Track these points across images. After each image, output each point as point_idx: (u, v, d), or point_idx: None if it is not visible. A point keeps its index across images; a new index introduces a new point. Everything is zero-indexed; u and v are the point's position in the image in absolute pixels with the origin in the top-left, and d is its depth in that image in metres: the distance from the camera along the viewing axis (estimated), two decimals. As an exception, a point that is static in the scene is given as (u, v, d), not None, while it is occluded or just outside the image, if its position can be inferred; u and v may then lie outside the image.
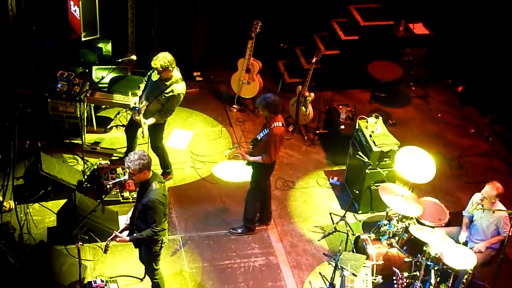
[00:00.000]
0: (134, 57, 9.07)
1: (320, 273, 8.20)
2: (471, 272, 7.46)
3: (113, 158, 9.48)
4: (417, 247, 7.51)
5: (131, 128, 8.95)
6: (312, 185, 9.48)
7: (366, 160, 8.61)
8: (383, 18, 11.06)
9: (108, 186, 8.70)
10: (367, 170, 8.65)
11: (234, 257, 8.36)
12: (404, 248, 7.68)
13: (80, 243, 6.94)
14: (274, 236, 8.70)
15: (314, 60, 9.79)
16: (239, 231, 8.63)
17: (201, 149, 9.85)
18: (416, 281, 7.50)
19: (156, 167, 8.60)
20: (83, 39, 10.05)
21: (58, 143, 9.54)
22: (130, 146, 9.12)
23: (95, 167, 9.15)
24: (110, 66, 10.03)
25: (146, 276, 7.61)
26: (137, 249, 7.25)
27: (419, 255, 7.49)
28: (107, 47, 10.50)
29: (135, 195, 8.51)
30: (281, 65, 11.31)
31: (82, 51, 10.30)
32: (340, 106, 9.92)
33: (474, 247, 7.83)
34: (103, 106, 10.06)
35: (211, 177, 9.41)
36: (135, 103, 8.56)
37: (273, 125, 7.87)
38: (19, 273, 7.55)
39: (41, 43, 10.27)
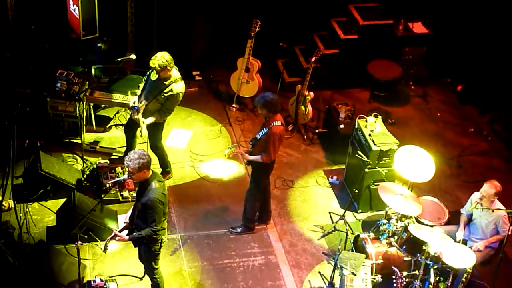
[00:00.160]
0: (133, 56, 9.08)
1: (319, 272, 8.20)
2: (470, 271, 7.46)
3: (112, 157, 9.48)
4: (417, 246, 7.52)
5: (131, 128, 8.95)
6: (311, 184, 9.49)
7: (366, 159, 8.61)
8: (383, 17, 11.07)
9: (107, 185, 8.70)
10: (366, 169, 8.65)
11: (233, 256, 8.36)
12: (404, 247, 7.68)
13: (79, 242, 6.94)
14: (274, 235, 8.70)
15: (313, 59, 9.80)
16: (239, 230, 8.63)
17: (200, 149, 9.85)
18: (416, 280, 7.51)
19: (155, 166, 8.60)
20: (82, 38, 10.06)
21: (57, 142, 9.54)
22: (130, 146, 9.12)
23: (95, 166, 9.15)
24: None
25: (146, 275, 7.61)
26: (137, 248, 7.25)
27: (418, 254, 7.49)
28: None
29: (134, 194, 8.52)
30: (280, 64, 11.31)
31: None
32: (340, 105, 9.92)
33: (473, 246, 7.84)
34: (103, 105, 10.06)
35: (209, 176, 9.42)
36: (134, 102, 8.56)
37: (272, 124, 7.87)
38: (19, 272, 7.55)
39: (40, 42, 10.26)
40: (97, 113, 10.04)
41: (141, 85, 8.71)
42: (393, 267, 7.63)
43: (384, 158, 8.66)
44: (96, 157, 9.39)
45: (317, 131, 10.31)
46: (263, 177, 8.33)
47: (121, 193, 8.79)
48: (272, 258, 8.40)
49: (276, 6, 11.01)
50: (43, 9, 10.25)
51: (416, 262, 7.59)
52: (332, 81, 11.04)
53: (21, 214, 8.26)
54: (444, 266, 7.38)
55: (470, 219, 8.13)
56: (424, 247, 7.36)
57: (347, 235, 8.19)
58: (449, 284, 7.46)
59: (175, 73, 8.41)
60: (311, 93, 9.96)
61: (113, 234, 7.01)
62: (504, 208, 7.78)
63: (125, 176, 6.93)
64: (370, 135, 8.72)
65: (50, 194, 8.70)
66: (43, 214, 8.56)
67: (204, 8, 10.72)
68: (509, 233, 7.61)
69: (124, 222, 7.25)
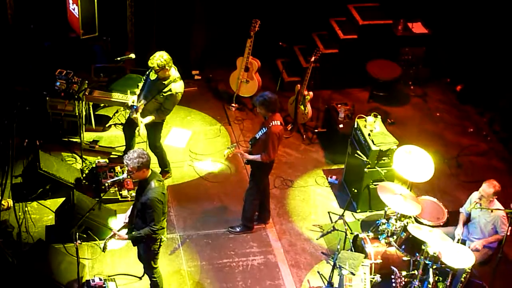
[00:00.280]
0: (133, 56, 9.07)
1: (318, 272, 8.20)
2: (469, 271, 7.46)
3: (111, 156, 9.48)
4: (416, 246, 7.52)
5: (130, 127, 8.94)
6: (310, 184, 9.49)
7: (365, 159, 8.61)
8: (382, 17, 11.07)
9: (106, 185, 8.70)
10: (365, 169, 8.66)
11: (232, 255, 8.36)
12: (403, 247, 7.68)
13: (78, 241, 6.93)
14: (273, 235, 8.70)
15: (313, 59, 9.80)
16: (238, 229, 8.63)
17: (199, 148, 9.84)
18: (414, 280, 7.51)
19: (154, 165, 8.60)
20: (81, 37, 10.05)
21: (56, 141, 9.53)
22: (129, 145, 9.12)
23: (94, 165, 9.14)
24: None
25: (145, 274, 7.61)
26: (136, 247, 7.25)
27: (417, 254, 7.50)
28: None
29: (133, 194, 8.53)
30: (280, 64, 11.31)
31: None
32: (339, 105, 9.93)
33: (471, 245, 7.84)
34: (102, 105, 10.06)
35: (209, 175, 9.42)
36: (133, 102, 8.57)
37: (271, 123, 7.87)
38: (18, 271, 7.54)
39: (40, 41, 10.26)
40: (97, 112, 10.04)
41: (140, 85, 8.71)
42: (392, 266, 7.64)
43: (383, 158, 8.66)
44: (95, 156, 9.39)
45: (316, 130, 10.31)
46: (262, 176, 8.33)
47: (120, 192, 8.79)
48: (271, 257, 8.40)
49: (275, 6, 11.02)
50: (42, 8, 10.25)
51: (415, 262, 7.59)
52: (331, 81, 11.03)
53: (20, 213, 8.27)
54: (443, 266, 7.38)
55: (469, 218, 8.14)
56: (423, 247, 7.36)
57: (346, 234, 8.19)
58: (448, 284, 7.46)
59: (174, 72, 8.41)
60: (311, 93, 9.96)
61: (112, 233, 7.01)
62: (503, 208, 7.78)
63: (124, 175, 6.92)
64: (369, 135, 8.72)
65: (49, 193, 8.69)
66: (42, 213, 8.56)
67: (204, 7, 10.72)
68: (508, 233, 7.62)
69: (124, 222, 7.25)
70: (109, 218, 8.29)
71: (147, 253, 7.16)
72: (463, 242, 7.99)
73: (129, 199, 8.71)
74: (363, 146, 8.77)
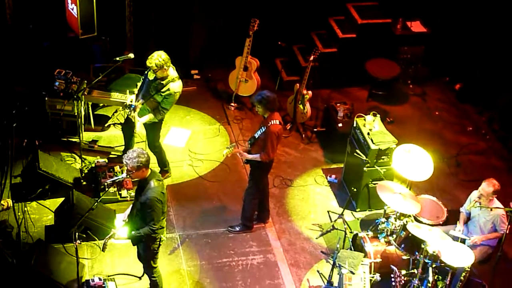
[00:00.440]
0: (131, 55, 9.07)
1: (318, 271, 8.20)
2: (469, 269, 7.47)
3: (111, 156, 9.48)
4: (415, 244, 7.53)
5: (129, 126, 8.94)
6: (310, 183, 9.49)
7: (364, 158, 8.61)
8: (381, 16, 11.07)
9: (106, 184, 8.70)
10: (365, 168, 8.66)
11: (232, 255, 8.36)
12: (402, 246, 7.69)
13: (78, 241, 6.92)
14: (272, 234, 8.70)
15: (311, 58, 9.80)
16: (237, 229, 8.63)
17: (198, 147, 9.84)
18: (414, 279, 7.51)
19: (154, 165, 8.60)
20: (80, 37, 10.05)
21: (55, 141, 9.53)
22: (128, 144, 9.12)
23: (93, 165, 9.14)
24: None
25: (144, 274, 7.61)
26: (136, 247, 7.25)
27: (417, 253, 7.50)
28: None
29: (133, 193, 8.52)
30: (278, 63, 11.32)
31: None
32: (338, 104, 9.93)
33: (470, 240, 7.83)
34: (101, 104, 10.05)
35: (208, 174, 9.42)
36: (131, 101, 8.57)
37: (270, 123, 7.87)
38: (17, 271, 7.54)
39: (39, 41, 10.25)
40: (96, 112, 10.04)
41: (139, 84, 8.71)
42: (391, 265, 7.64)
43: (382, 157, 8.66)
44: (94, 156, 9.39)
45: (315, 130, 10.31)
46: (261, 176, 8.33)
47: (120, 192, 8.78)
48: (271, 257, 8.40)
49: (274, 5, 11.01)
50: (41, 8, 10.24)
51: (415, 261, 7.59)
52: (330, 80, 11.03)
53: (19, 213, 8.26)
54: (442, 264, 7.39)
55: (468, 217, 8.14)
56: (422, 246, 7.36)
57: (345, 233, 8.20)
58: (447, 282, 7.47)
59: (172, 72, 8.41)
60: (310, 92, 9.96)
61: (111, 233, 7.00)
62: (503, 207, 7.79)
63: (124, 175, 6.92)
64: (368, 134, 8.72)
65: (49, 193, 8.69)
66: (42, 213, 8.56)
67: (202, 7, 10.71)
68: (507, 231, 7.62)
69: (123, 221, 7.25)
70: (109, 218, 8.29)
71: (147, 252, 7.16)
72: (463, 241, 7.99)
73: (128, 199, 8.70)
74: (362, 145, 8.78)
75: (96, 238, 8.13)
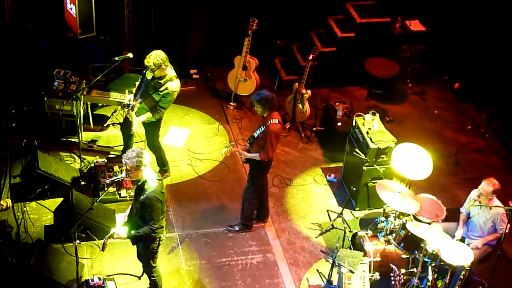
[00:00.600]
0: (130, 55, 9.06)
1: (317, 270, 8.20)
2: (468, 268, 7.47)
3: (110, 156, 9.48)
4: (414, 243, 7.53)
5: (127, 126, 8.94)
6: (309, 182, 9.49)
7: (363, 157, 8.62)
8: (380, 15, 11.07)
9: (105, 184, 8.69)
10: (364, 167, 8.66)
11: (231, 254, 8.36)
12: (401, 244, 7.69)
13: (77, 241, 6.93)
14: (272, 233, 8.70)
15: (310, 57, 9.79)
16: (237, 228, 8.63)
17: (198, 147, 9.84)
18: (414, 278, 7.51)
19: (153, 164, 8.60)
20: (79, 37, 10.04)
21: (54, 141, 9.52)
22: (127, 144, 9.12)
23: (92, 165, 9.14)
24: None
25: (144, 274, 7.61)
26: (135, 247, 7.25)
27: (416, 252, 7.50)
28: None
29: (132, 193, 8.52)
30: (277, 63, 11.31)
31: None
32: (337, 103, 9.93)
33: (471, 244, 7.85)
34: (100, 104, 10.05)
35: (207, 174, 9.42)
36: (129, 100, 8.57)
37: (269, 122, 7.87)
38: (17, 271, 7.54)
39: (37, 41, 10.25)
40: (95, 112, 10.03)
41: (137, 83, 8.71)
42: (391, 264, 7.64)
43: (381, 156, 8.66)
44: (93, 156, 9.39)
45: (314, 129, 10.31)
46: (260, 175, 8.33)
47: (119, 191, 8.78)
48: (270, 256, 8.40)
49: (273, 4, 11.00)
50: (40, 8, 10.23)
51: (414, 260, 7.60)
52: (329, 79, 11.04)
53: (18, 213, 8.26)
54: (442, 263, 7.39)
55: (468, 217, 8.14)
56: (422, 245, 7.37)
57: (345, 233, 8.20)
58: (447, 281, 7.47)
59: (170, 71, 8.41)
60: (309, 91, 9.96)
61: (111, 232, 7.00)
62: (502, 206, 7.79)
63: (123, 174, 6.92)
64: (367, 133, 8.72)
65: (48, 193, 8.69)
66: (41, 213, 8.56)
67: (201, 6, 10.71)
68: (507, 231, 7.62)
69: (123, 221, 7.25)
70: (108, 217, 8.29)
71: (146, 252, 7.16)
72: (462, 240, 7.99)
73: (127, 198, 8.70)
74: (361, 144, 8.78)
75: (96, 238, 8.13)
